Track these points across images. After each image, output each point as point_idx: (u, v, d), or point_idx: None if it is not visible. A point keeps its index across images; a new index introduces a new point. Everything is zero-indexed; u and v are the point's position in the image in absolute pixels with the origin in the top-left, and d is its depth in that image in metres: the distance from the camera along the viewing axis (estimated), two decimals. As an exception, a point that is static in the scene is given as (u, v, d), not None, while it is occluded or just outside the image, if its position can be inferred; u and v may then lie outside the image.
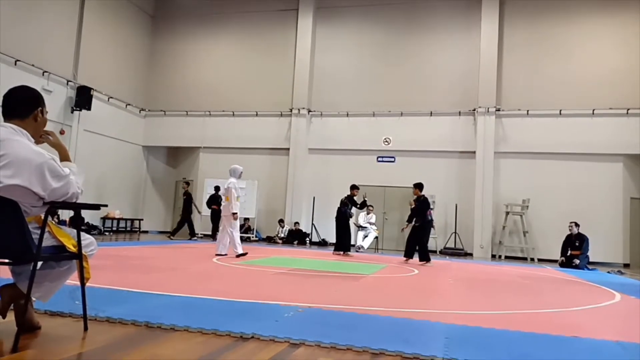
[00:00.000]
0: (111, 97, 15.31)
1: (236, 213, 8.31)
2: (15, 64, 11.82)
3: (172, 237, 13.75)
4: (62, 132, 13.12)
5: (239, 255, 8.08)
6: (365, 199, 11.87)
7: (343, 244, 10.89)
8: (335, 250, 11.06)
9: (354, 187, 11.24)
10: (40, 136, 2.52)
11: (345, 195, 11.20)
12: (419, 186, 9.77)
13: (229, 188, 8.39)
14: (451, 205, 14.21)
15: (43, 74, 12.69)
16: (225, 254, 8.32)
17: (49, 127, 2.58)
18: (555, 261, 12.07)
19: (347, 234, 10.99)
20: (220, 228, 8.74)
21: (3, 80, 10.72)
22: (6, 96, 2.41)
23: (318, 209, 14.97)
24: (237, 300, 3.81)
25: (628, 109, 13.13)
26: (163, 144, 17.21)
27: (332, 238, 14.08)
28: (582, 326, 3.63)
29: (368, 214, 13.20)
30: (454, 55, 14.81)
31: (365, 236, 13.03)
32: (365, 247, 12.94)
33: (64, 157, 2.56)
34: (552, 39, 14.13)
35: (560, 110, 13.65)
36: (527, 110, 13.91)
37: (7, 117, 2.39)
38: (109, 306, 3.18)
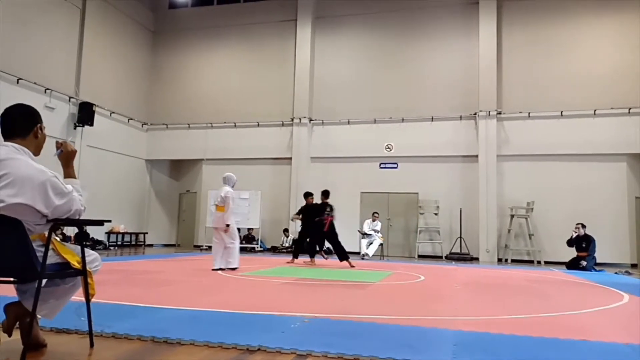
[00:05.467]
0: (113, 112, 15.39)
1: (229, 225, 7.69)
2: (17, 82, 11.92)
3: None
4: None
5: (232, 269, 7.62)
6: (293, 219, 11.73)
7: (338, 251, 9.86)
8: (340, 259, 9.85)
9: (307, 195, 10.51)
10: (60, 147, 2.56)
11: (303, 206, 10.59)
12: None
13: (227, 197, 7.61)
14: (456, 210, 14.16)
15: (45, 92, 12.78)
16: (224, 268, 7.68)
17: (52, 144, 2.59)
18: (562, 263, 11.99)
19: (320, 241, 10.21)
20: (215, 240, 7.90)
21: (5, 98, 10.79)
22: (3, 116, 2.41)
23: (322, 218, 14.91)
24: (243, 312, 3.79)
25: (630, 108, 13.09)
26: (166, 157, 17.26)
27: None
28: (591, 329, 3.60)
29: (373, 221, 13.16)
30: (453, 59, 14.83)
31: (370, 243, 12.99)
32: (370, 254, 12.89)
33: (69, 173, 2.57)
34: (551, 40, 14.14)
35: (562, 112, 13.63)
36: (529, 113, 13.89)
37: (7, 137, 2.39)
38: (115, 322, 3.18)
